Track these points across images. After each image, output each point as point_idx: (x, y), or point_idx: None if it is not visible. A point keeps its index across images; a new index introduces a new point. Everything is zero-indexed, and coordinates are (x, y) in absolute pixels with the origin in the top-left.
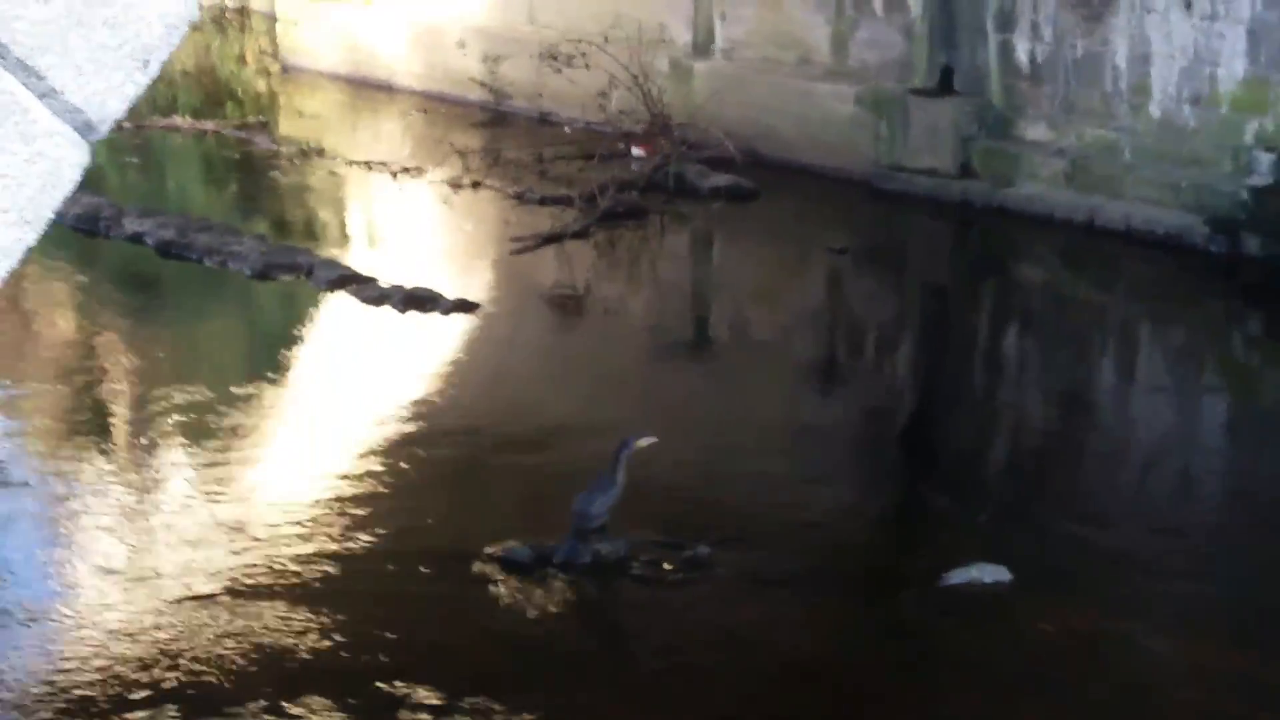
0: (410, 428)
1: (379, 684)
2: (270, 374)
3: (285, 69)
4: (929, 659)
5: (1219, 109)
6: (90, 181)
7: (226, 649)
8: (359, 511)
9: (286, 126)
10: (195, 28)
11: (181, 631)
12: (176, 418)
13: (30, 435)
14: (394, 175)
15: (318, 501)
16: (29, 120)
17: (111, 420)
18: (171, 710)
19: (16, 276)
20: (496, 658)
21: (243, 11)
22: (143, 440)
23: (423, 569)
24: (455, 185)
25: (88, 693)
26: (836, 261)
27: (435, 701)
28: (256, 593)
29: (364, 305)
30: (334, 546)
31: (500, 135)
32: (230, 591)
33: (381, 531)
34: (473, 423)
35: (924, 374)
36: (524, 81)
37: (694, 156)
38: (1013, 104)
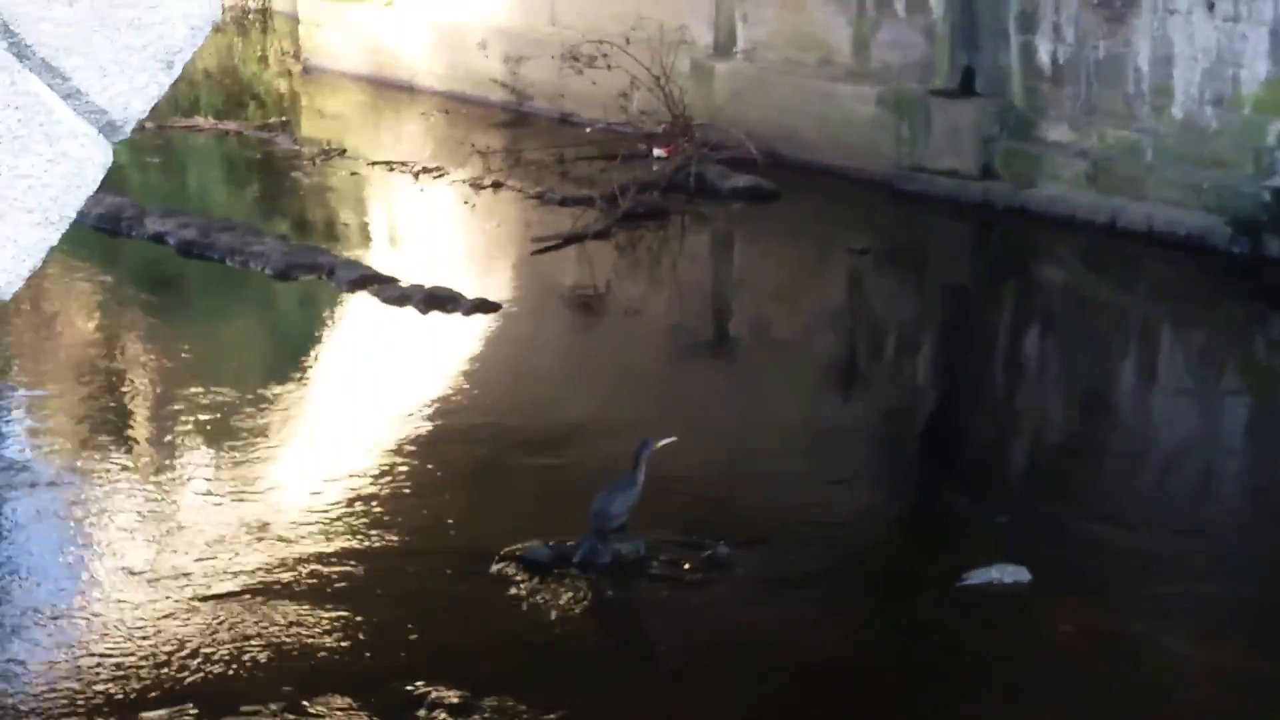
0: (431, 427)
1: (398, 683)
2: (292, 374)
3: (307, 70)
4: (948, 659)
5: (1241, 110)
6: (112, 181)
7: (247, 648)
8: (379, 511)
9: (308, 127)
10: (217, 28)
11: (202, 631)
12: (198, 417)
13: (53, 435)
14: (415, 176)
15: (338, 501)
16: (53, 121)
17: (134, 420)
18: (191, 709)
19: (39, 276)
20: (515, 657)
21: (265, 12)
22: (165, 440)
23: (442, 568)
24: (476, 186)
25: (108, 692)
26: (857, 262)
27: (454, 701)
28: (277, 592)
29: (385, 305)
30: (354, 545)
31: (521, 136)
32: (251, 591)
33: (401, 531)
34: (493, 422)
35: (944, 375)
36: (545, 82)
37: (715, 157)
38: (1034, 105)
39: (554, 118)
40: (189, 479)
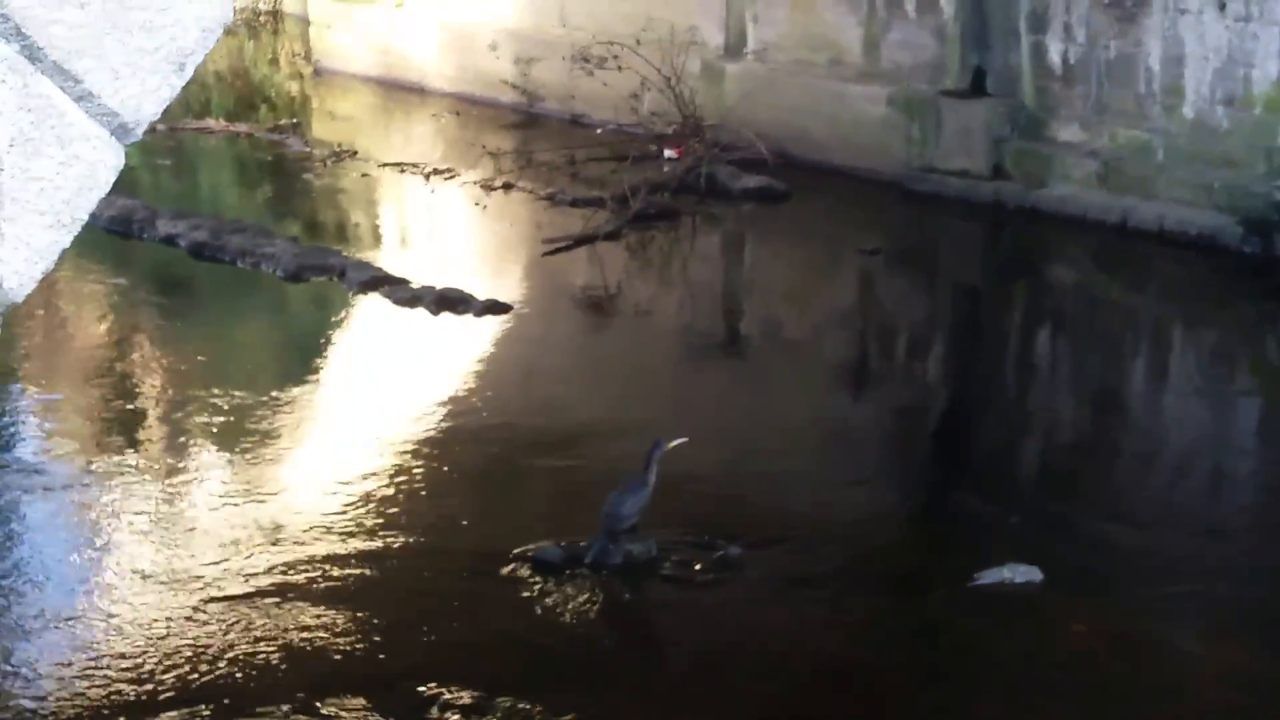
0: (442, 429)
1: (410, 684)
2: (303, 376)
3: (317, 72)
4: (959, 660)
5: (1253, 110)
6: (124, 184)
7: (259, 650)
8: (391, 512)
9: (319, 129)
10: (228, 31)
11: (215, 633)
12: (211, 420)
13: (67, 438)
14: (426, 177)
15: (350, 502)
16: (65, 123)
17: (147, 423)
18: (204, 711)
19: (51, 279)
20: (527, 658)
21: (275, 14)
22: (178, 442)
23: (454, 569)
24: (487, 187)
25: (122, 694)
26: (868, 263)
27: (467, 701)
28: (290, 593)
29: (396, 307)
30: (366, 547)
31: (532, 137)
32: (263, 592)
33: (413, 532)
34: (504, 423)
35: (956, 375)
36: (556, 84)
37: (726, 158)
38: (1045, 105)
39: (565, 119)
40: (202, 481)
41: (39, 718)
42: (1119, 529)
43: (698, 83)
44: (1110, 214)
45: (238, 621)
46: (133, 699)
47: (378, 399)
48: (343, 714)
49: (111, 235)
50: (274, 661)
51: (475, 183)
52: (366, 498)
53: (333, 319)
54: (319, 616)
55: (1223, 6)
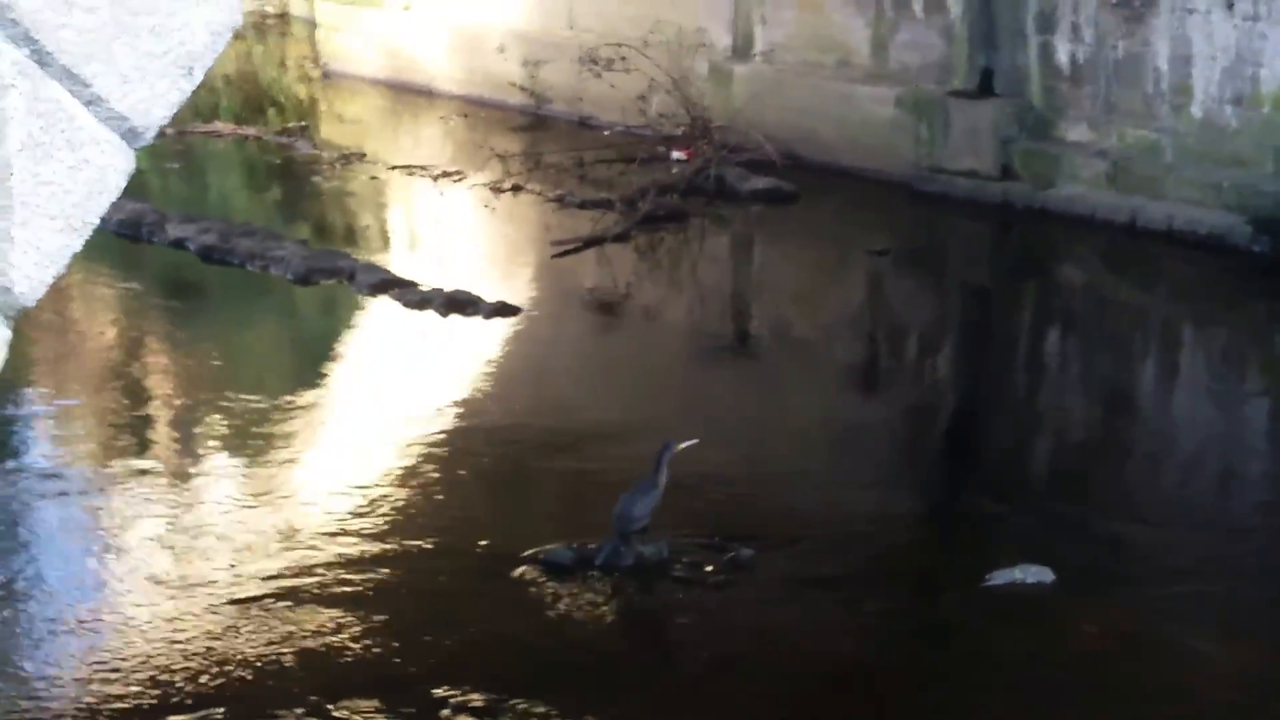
0: (452, 431)
1: (423, 686)
2: (314, 379)
3: (326, 74)
4: (971, 660)
5: (1261, 109)
6: (133, 187)
7: (273, 653)
8: (401, 515)
9: (327, 132)
10: (236, 34)
11: (228, 636)
12: (222, 423)
13: (80, 443)
14: (435, 180)
15: (361, 504)
16: (75, 127)
17: (159, 427)
18: (218, 713)
19: (62, 283)
20: (539, 660)
21: (283, 17)
22: (190, 446)
23: (466, 571)
24: (496, 189)
25: (135, 698)
26: (877, 264)
27: (478, 703)
28: (302, 596)
29: (405, 309)
30: (377, 549)
31: (540, 139)
32: (276, 595)
33: (425, 534)
34: (514, 425)
35: (965, 376)
36: (564, 86)
37: (734, 159)
38: (1053, 105)
39: (573, 121)
40: (214, 485)
41: None
42: (1130, 529)
43: (705, 84)
44: (1119, 214)
45: (251, 624)
46: (146, 702)
47: (388, 401)
48: (355, 716)
49: (121, 239)
50: (287, 664)
51: (484, 185)
52: (377, 500)
53: (342, 322)
54: (331, 619)
55: (1230, 6)
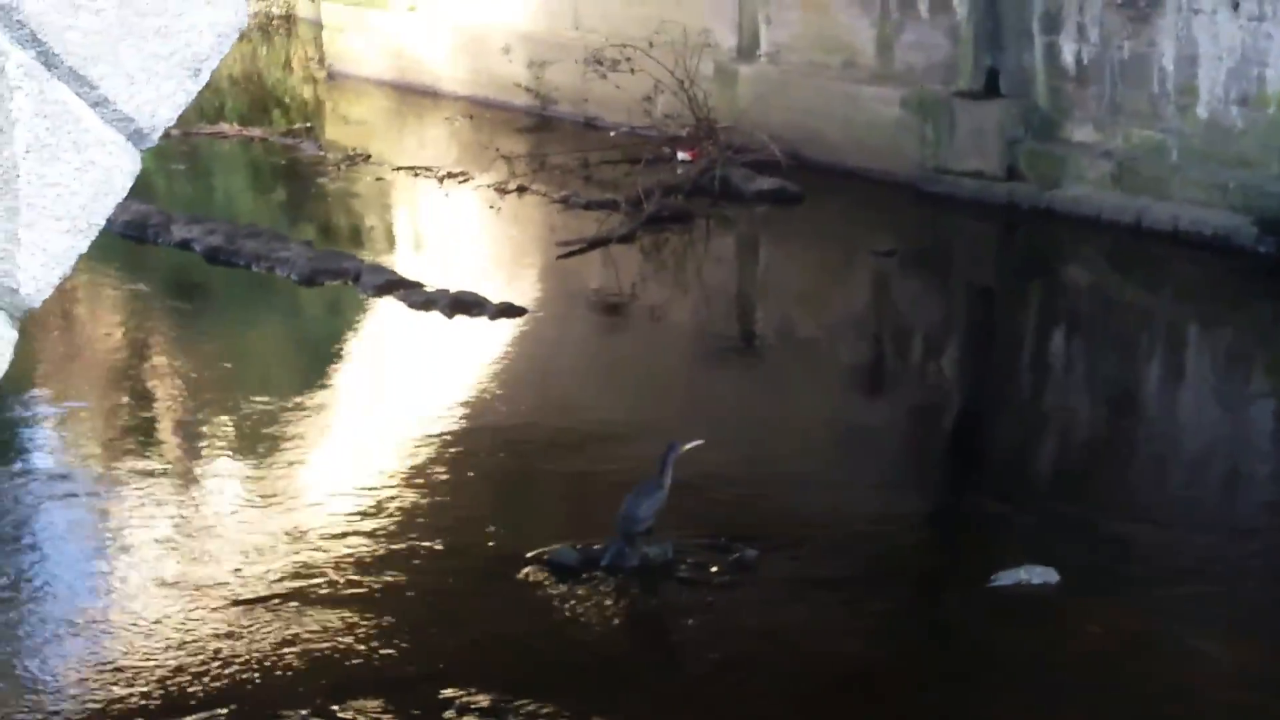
0: (457, 432)
1: (428, 687)
2: (320, 380)
3: (331, 75)
4: (976, 661)
5: (1267, 110)
6: (139, 188)
7: (278, 654)
8: (406, 515)
9: (332, 133)
10: (241, 35)
11: (234, 637)
12: (228, 424)
13: (87, 445)
14: (440, 181)
15: (367, 505)
16: (81, 129)
17: (166, 429)
18: (223, 714)
19: (67, 284)
20: (543, 660)
21: (288, 19)
22: (197, 448)
23: (471, 572)
24: (501, 190)
25: (141, 698)
26: (882, 264)
27: (483, 704)
28: (308, 597)
29: (410, 310)
30: (381, 550)
31: (545, 140)
32: (282, 597)
33: (430, 535)
34: (519, 426)
35: (971, 376)
36: (569, 86)
37: (739, 160)
38: (1059, 106)
39: (578, 122)
40: (221, 486)
41: None
42: (1135, 530)
43: (711, 85)
44: (1124, 214)
45: (257, 625)
46: (153, 704)
47: (393, 402)
48: (360, 716)
49: (126, 240)
50: (293, 665)
51: (489, 186)
52: (383, 501)
53: (348, 323)
54: (337, 619)
55: (1236, 6)
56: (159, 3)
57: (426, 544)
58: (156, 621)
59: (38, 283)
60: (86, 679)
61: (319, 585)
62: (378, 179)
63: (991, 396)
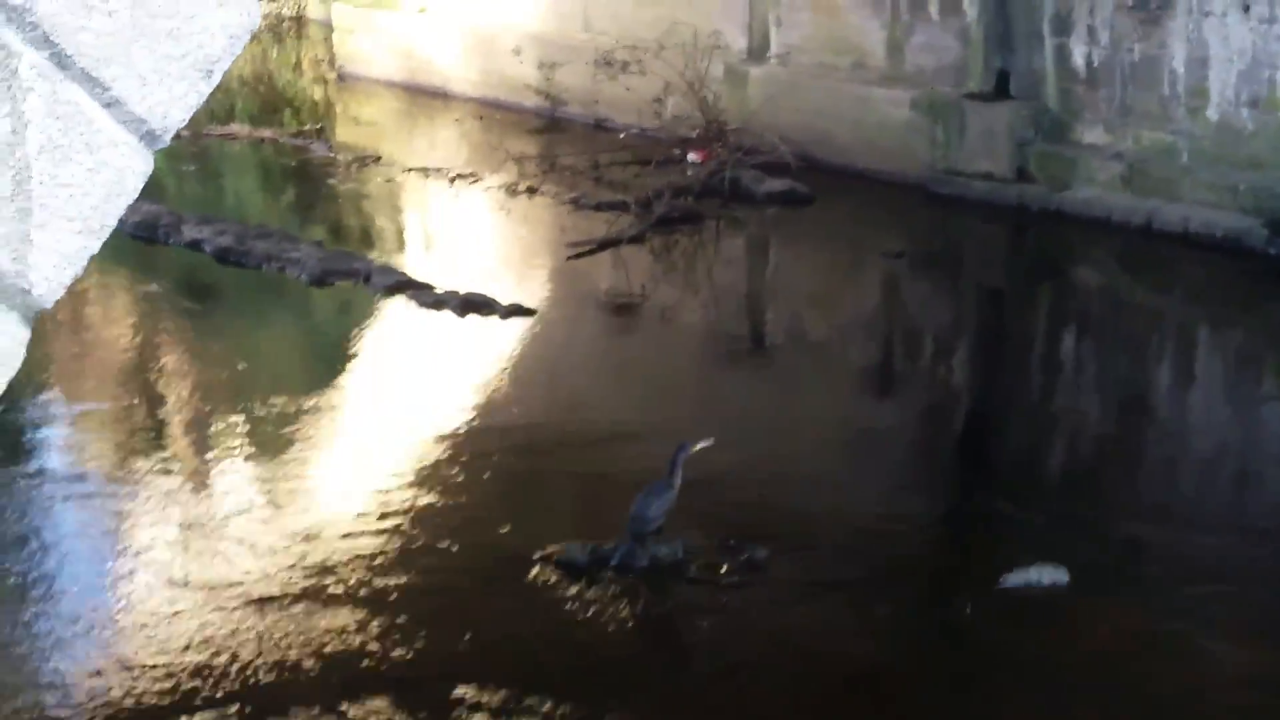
0: (468, 432)
1: (438, 686)
2: (330, 380)
3: (341, 77)
4: (986, 662)
5: (1277, 112)
6: (149, 189)
7: (289, 653)
8: (417, 516)
9: (343, 134)
10: (252, 36)
11: (245, 637)
12: (240, 425)
13: (99, 446)
14: (450, 182)
15: (377, 505)
16: (93, 130)
17: (178, 429)
18: (234, 713)
19: (78, 285)
20: (553, 659)
21: (299, 20)
22: (209, 448)
23: (481, 571)
24: (511, 191)
25: (152, 697)
26: (892, 266)
27: (493, 703)
28: (318, 597)
29: (421, 311)
30: (391, 550)
31: (556, 141)
32: (292, 596)
33: (440, 534)
34: (530, 426)
35: (981, 378)
36: (579, 88)
37: (749, 162)
38: (1069, 108)
39: (588, 123)
40: (233, 487)
41: None
42: (1145, 530)
43: (721, 86)
44: (1135, 216)
45: (270, 625)
46: (163, 703)
47: (404, 403)
48: (371, 715)
49: (137, 240)
50: (303, 664)
51: (499, 187)
52: (393, 501)
53: (358, 323)
54: (347, 619)
55: (1247, 8)
56: (171, 4)
57: (437, 543)
58: (168, 620)
59: (50, 283)
60: (99, 677)
61: (329, 584)
62: (388, 180)
63: (1001, 398)
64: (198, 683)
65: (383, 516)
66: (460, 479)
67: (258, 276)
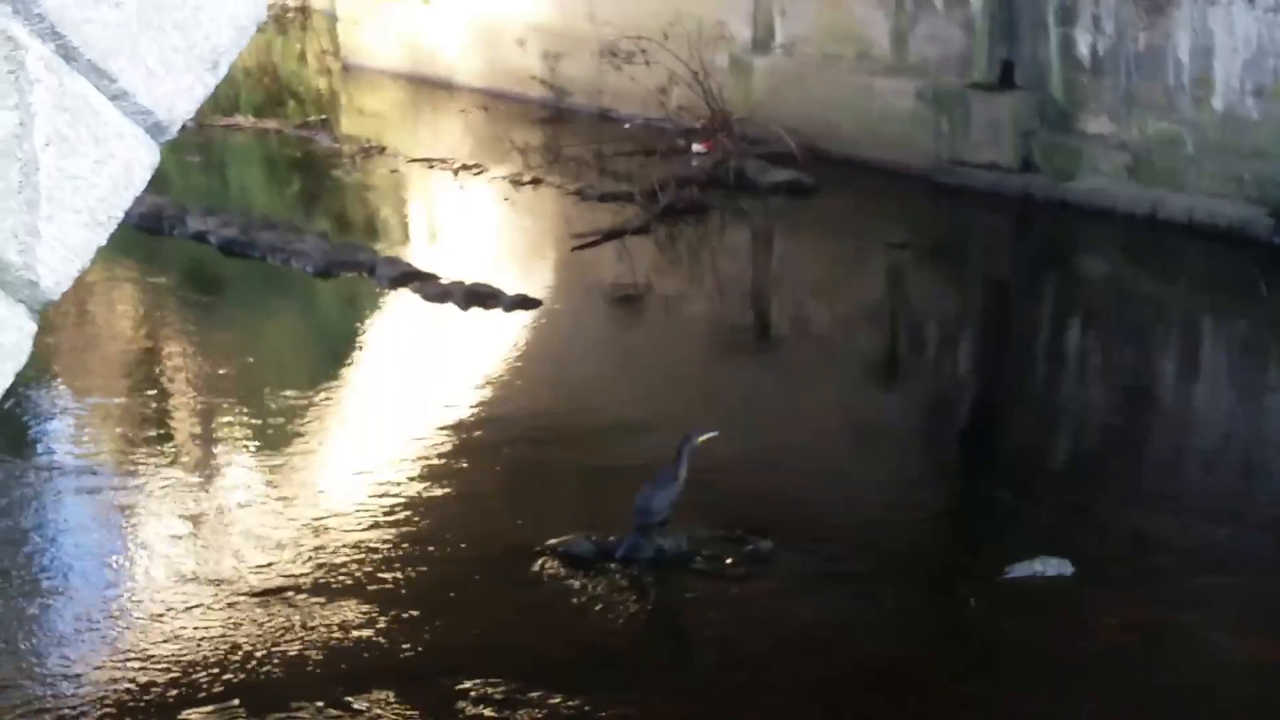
0: (473, 424)
1: (442, 679)
2: (335, 372)
3: (346, 68)
4: (991, 653)
5: None
6: (154, 181)
7: (294, 646)
8: (423, 507)
9: (348, 125)
10: (257, 27)
11: (251, 630)
12: (245, 417)
13: (106, 438)
14: (455, 173)
15: (383, 497)
16: (100, 122)
17: (184, 422)
18: (238, 706)
19: (84, 277)
20: (558, 652)
21: (304, 11)
22: (215, 441)
23: (486, 563)
24: (516, 182)
25: (158, 690)
26: (897, 257)
27: (498, 695)
28: (323, 590)
29: (426, 302)
30: (398, 541)
31: (560, 132)
32: (297, 589)
33: (445, 526)
34: (534, 418)
35: (985, 368)
36: (584, 79)
37: (754, 152)
38: (1074, 98)
39: (593, 114)
40: (240, 479)
41: (78, 715)
42: (1150, 521)
43: (726, 77)
44: (1140, 206)
45: (273, 618)
46: (169, 695)
47: (409, 395)
48: (375, 707)
49: (142, 232)
50: (308, 657)
51: (504, 178)
52: (399, 492)
53: (363, 315)
54: (352, 612)
55: None
56: None
57: (441, 535)
58: (175, 613)
59: (57, 275)
60: (105, 669)
61: (334, 578)
62: (393, 171)
63: (1006, 388)
64: (204, 674)
65: (388, 508)
66: (465, 471)
67: (263, 268)
